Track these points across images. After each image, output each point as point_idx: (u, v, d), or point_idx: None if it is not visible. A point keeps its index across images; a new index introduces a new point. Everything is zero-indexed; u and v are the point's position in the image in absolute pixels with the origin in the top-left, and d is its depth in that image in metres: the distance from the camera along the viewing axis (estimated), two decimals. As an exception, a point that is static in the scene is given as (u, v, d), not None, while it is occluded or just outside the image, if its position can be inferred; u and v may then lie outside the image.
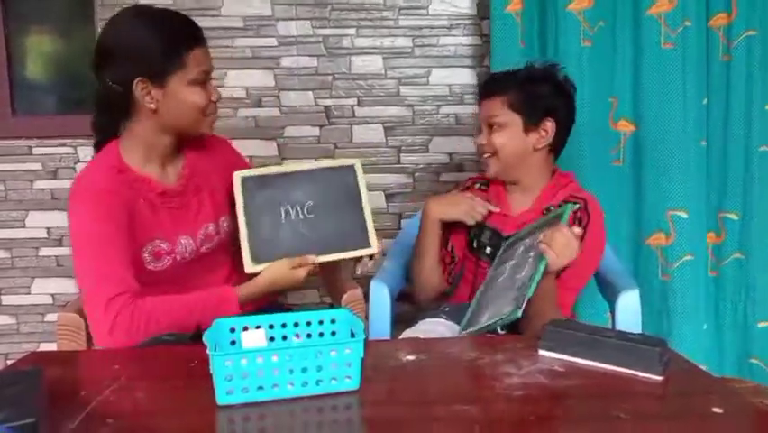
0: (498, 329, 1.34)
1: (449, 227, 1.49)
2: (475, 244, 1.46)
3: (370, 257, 1.31)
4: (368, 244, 1.29)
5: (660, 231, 1.89)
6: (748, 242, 1.94)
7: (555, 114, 1.40)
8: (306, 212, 1.29)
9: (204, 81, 1.23)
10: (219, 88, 1.31)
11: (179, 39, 1.20)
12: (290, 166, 1.32)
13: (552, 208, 1.39)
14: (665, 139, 1.86)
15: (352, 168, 1.33)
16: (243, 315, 1.04)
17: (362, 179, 1.33)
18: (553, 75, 1.43)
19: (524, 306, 1.10)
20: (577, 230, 1.21)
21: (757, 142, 1.90)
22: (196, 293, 1.18)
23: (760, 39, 1.87)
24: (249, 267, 1.23)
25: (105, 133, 1.27)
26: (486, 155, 1.45)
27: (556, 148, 1.45)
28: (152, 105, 1.19)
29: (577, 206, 1.35)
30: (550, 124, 1.40)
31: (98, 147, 1.28)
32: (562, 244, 1.16)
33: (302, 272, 1.23)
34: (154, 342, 1.09)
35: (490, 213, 1.44)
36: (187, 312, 1.14)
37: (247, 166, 1.53)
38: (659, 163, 1.88)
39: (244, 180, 1.29)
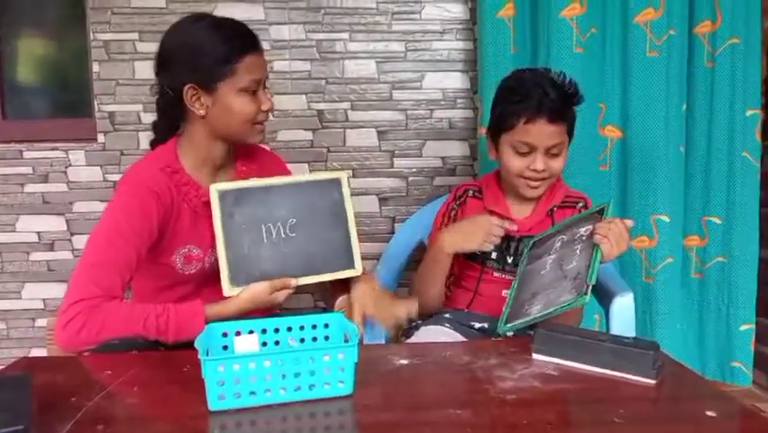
0: (508, 332, 1.33)
1: None
2: (478, 252, 1.44)
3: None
4: (352, 265, 1.24)
5: (644, 234, 1.92)
6: (730, 245, 1.97)
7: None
8: (288, 230, 1.21)
9: (255, 90, 1.22)
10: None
11: (229, 46, 1.19)
12: (271, 179, 1.24)
13: (554, 209, 1.40)
14: (648, 144, 1.89)
15: (337, 181, 1.26)
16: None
17: (348, 194, 1.26)
18: (578, 90, 1.39)
19: (589, 292, 1.08)
20: (629, 222, 1.21)
21: (740, 147, 1.93)
22: (163, 305, 1.13)
23: (743, 47, 1.89)
24: (227, 290, 1.17)
25: (163, 134, 1.29)
26: (539, 181, 1.37)
27: None
28: (201, 112, 1.21)
29: (611, 202, 1.32)
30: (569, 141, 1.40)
31: (153, 145, 1.30)
32: (617, 235, 1.16)
33: (282, 296, 1.19)
34: (103, 348, 1.07)
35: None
36: (142, 323, 1.09)
37: None
38: (643, 168, 1.91)
39: (222, 195, 1.19)
